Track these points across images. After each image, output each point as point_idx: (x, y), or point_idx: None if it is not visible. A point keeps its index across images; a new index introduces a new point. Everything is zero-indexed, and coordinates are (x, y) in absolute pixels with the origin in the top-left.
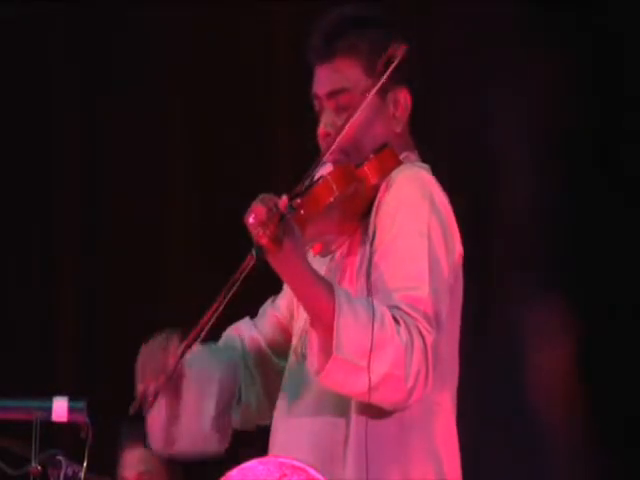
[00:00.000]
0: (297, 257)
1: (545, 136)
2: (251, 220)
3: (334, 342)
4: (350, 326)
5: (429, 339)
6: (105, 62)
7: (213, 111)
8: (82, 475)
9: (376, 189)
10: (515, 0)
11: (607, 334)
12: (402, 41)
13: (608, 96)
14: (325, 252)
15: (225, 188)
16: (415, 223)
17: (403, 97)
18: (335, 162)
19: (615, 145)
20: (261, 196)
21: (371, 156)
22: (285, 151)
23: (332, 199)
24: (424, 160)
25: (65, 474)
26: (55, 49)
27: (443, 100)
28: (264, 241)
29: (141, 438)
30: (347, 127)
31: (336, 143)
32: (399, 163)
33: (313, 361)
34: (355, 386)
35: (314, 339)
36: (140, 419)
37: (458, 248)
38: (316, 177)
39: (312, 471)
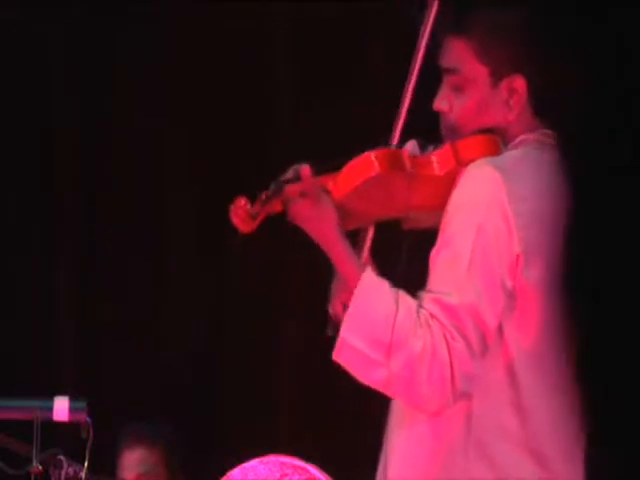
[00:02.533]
0: (320, 224)
1: None
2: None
3: (344, 324)
4: (367, 314)
5: (456, 347)
6: (105, 62)
7: (213, 111)
8: (83, 475)
9: (447, 179)
10: None
11: (607, 334)
12: (520, 29)
13: None
14: (412, 229)
15: (225, 187)
16: (464, 229)
17: (518, 84)
18: (445, 138)
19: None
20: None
21: (447, 145)
22: (285, 151)
23: (371, 176)
24: (554, 139)
25: (66, 474)
26: (55, 49)
27: None
28: (253, 212)
29: (141, 439)
30: (455, 110)
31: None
32: (486, 153)
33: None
34: (369, 375)
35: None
36: (140, 419)
37: (515, 248)
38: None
39: (313, 470)
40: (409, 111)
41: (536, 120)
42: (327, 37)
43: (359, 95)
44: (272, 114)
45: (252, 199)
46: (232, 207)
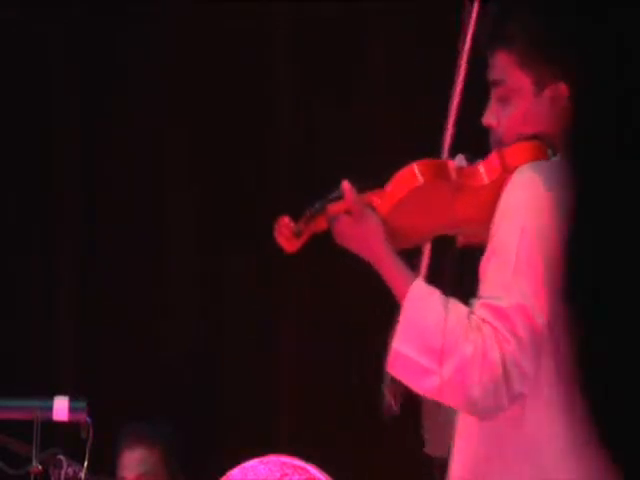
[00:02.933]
0: (367, 242)
1: None
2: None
3: (396, 333)
4: (417, 322)
5: (508, 348)
6: (105, 62)
7: (213, 111)
8: (83, 474)
9: (494, 187)
10: None
11: (607, 333)
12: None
13: None
14: (466, 243)
15: (225, 188)
16: (510, 234)
17: (562, 91)
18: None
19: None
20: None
21: (494, 152)
22: (285, 151)
23: (415, 186)
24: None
25: (66, 473)
26: (55, 49)
27: None
28: (297, 230)
29: (141, 439)
30: (502, 122)
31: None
32: (531, 159)
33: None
34: (422, 384)
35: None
36: (140, 419)
37: (560, 250)
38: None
39: (313, 470)
40: (455, 126)
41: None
42: (327, 37)
43: (359, 95)
44: (272, 114)
45: (251, 197)
46: (276, 226)
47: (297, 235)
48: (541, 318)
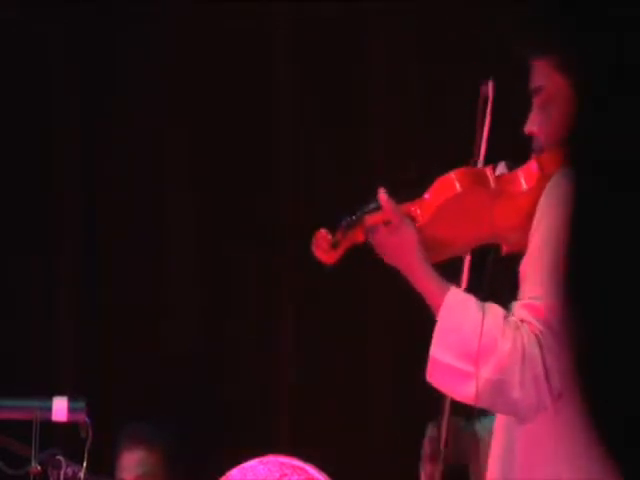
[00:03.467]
0: (402, 251)
1: None
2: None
3: (433, 342)
4: (454, 328)
5: (548, 344)
6: (105, 62)
7: (213, 111)
8: (82, 475)
9: (534, 193)
10: None
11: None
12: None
13: None
14: (510, 251)
15: (225, 188)
16: (548, 237)
17: None
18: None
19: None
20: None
21: (532, 158)
22: (285, 151)
23: (453, 194)
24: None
25: (65, 474)
26: (55, 49)
27: None
28: (334, 240)
29: (140, 440)
30: (544, 129)
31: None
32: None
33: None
34: (460, 390)
35: None
36: (140, 419)
37: None
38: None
39: (312, 470)
40: (491, 135)
41: None
42: (327, 37)
43: (359, 95)
44: (272, 114)
45: (252, 198)
46: (314, 239)
47: (334, 247)
48: None
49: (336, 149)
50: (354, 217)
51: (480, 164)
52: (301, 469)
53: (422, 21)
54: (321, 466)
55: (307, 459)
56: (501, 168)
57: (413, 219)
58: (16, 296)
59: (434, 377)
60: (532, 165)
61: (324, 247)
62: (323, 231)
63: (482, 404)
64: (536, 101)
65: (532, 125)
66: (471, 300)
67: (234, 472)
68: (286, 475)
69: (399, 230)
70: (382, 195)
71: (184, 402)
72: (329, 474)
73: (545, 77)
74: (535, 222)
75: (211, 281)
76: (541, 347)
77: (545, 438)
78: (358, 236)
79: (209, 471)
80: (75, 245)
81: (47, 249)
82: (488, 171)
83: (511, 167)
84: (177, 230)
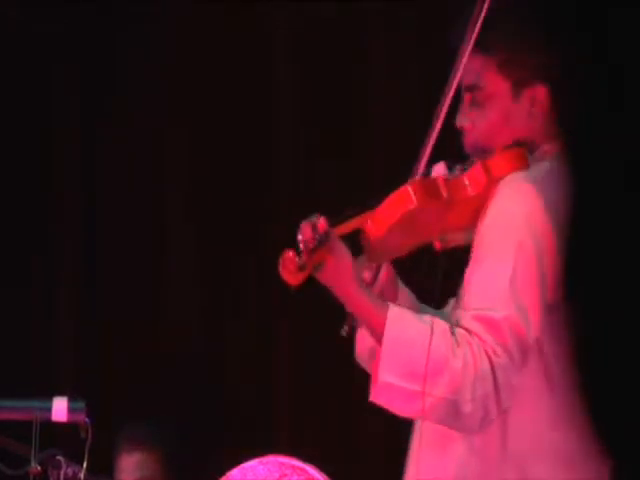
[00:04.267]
0: (341, 274)
1: None
2: (299, 237)
3: (380, 365)
4: (401, 348)
5: (498, 362)
6: (105, 62)
7: (213, 111)
8: (82, 475)
9: (481, 197)
10: None
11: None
12: (540, 44)
13: None
14: (443, 248)
15: (225, 188)
16: (505, 242)
17: (540, 94)
18: (470, 156)
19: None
20: (313, 216)
21: (478, 163)
22: (285, 151)
23: (409, 209)
24: (569, 147)
25: (65, 474)
26: (55, 49)
27: None
28: (301, 263)
29: (139, 442)
30: (479, 126)
31: (473, 141)
32: (516, 167)
33: (372, 378)
34: (406, 408)
35: (376, 354)
36: (139, 419)
37: (556, 268)
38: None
39: (312, 471)
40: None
41: (556, 128)
42: (327, 37)
43: (359, 95)
44: (272, 114)
45: (252, 200)
46: (281, 260)
47: (302, 269)
48: (532, 332)
49: (336, 149)
50: (318, 239)
51: (422, 165)
52: (301, 469)
53: (422, 21)
54: (321, 466)
55: (307, 459)
56: (440, 168)
57: (365, 233)
58: (16, 296)
59: (380, 398)
60: (478, 169)
61: (291, 269)
62: (291, 253)
63: (433, 420)
64: (471, 97)
65: (465, 120)
66: (412, 317)
67: (234, 472)
68: (286, 475)
69: (334, 253)
70: (321, 222)
71: (184, 402)
72: (329, 474)
73: (484, 76)
74: (485, 229)
75: (211, 281)
76: (492, 364)
77: (463, 452)
78: (322, 256)
79: (209, 471)
80: (75, 245)
81: (47, 249)
82: (440, 180)
83: (451, 167)
84: (177, 230)
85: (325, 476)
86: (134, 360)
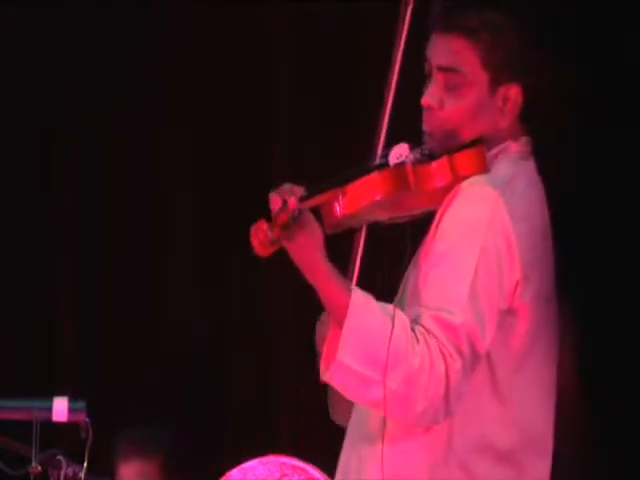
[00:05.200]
0: (310, 250)
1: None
2: (271, 207)
3: (339, 345)
4: (362, 333)
5: (453, 366)
6: (105, 62)
7: (213, 111)
8: (82, 475)
9: (444, 191)
10: None
11: (607, 333)
12: (524, 38)
13: None
14: (392, 221)
15: (225, 188)
16: (468, 244)
17: (514, 93)
18: (428, 135)
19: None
20: (283, 185)
21: (444, 157)
22: (285, 151)
23: (377, 199)
24: (534, 146)
25: (65, 474)
26: (55, 49)
27: None
28: (276, 231)
29: (137, 449)
30: (447, 110)
31: (436, 126)
32: (479, 167)
33: (323, 359)
34: (363, 395)
35: (329, 336)
36: (139, 420)
37: (516, 274)
38: (390, 160)
39: (312, 470)
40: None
41: (520, 126)
42: (327, 37)
43: (359, 95)
44: (272, 113)
45: (251, 199)
46: (253, 229)
47: (272, 243)
48: (486, 342)
49: (336, 149)
50: (289, 215)
51: (381, 145)
52: (301, 469)
53: (422, 21)
54: (321, 466)
55: (307, 459)
56: (403, 149)
57: (330, 211)
58: (16, 296)
59: (336, 379)
60: (444, 163)
61: (262, 240)
62: (264, 225)
63: (384, 411)
64: (444, 78)
65: (432, 99)
66: (376, 304)
67: (234, 472)
68: (286, 475)
69: (305, 229)
70: (292, 200)
71: (184, 402)
72: (329, 474)
73: (466, 62)
74: (445, 227)
75: (211, 281)
76: (447, 366)
77: (409, 451)
78: (294, 232)
79: (209, 471)
80: (75, 245)
81: (47, 249)
82: (408, 169)
83: (413, 147)
84: (177, 230)
85: (325, 476)
86: (134, 360)
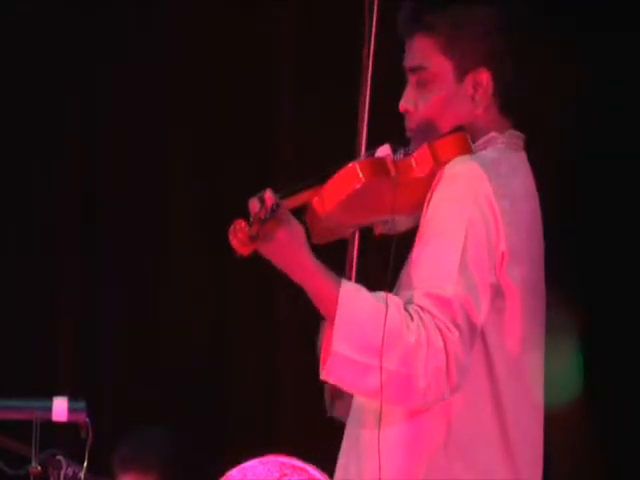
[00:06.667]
0: (292, 247)
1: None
2: (250, 210)
3: (333, 336)
4: (355, 321)
5: (451, 338)
6: (105, 62)
7: (214, 110)
8: (82, 475)
9: (427, 180)
10: None
11: (608, 333)
12: (483, 23)
13: None
14: (382, 234)
15: (226, 187)
16: (454, 222)
17: (483, 78)
18: (411, 139)
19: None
20: (263, 191)
21: (425, 146)
22: (286, 149)
23: (357, 187)
24: (523, 140)
25: (65, 474)
26: (55, 48)
27: None
28: (254, 228)
29: (134, 463)
30: (421, 108)
31: (414, 122)
32: (462, 151)
33: (321, 359)
34: (362, 385)
35: (326, 335)
36: (139, 421)
37: (502, 247)
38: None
39: (312, 470)
40: (371, 114)
41: (503, 118)
42: (327, 37)
43: (359, 95)
44: (272, 113)
45: (252, 190)
46: (232, 228)
47: (251, 240)
48: (481, 314)
49: (336, 149)
50: (268, 210)
51: (363, 146)
52: (301, 469)
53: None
54: (321, 466)
55: (307, 459)
56: (385, 149)
57: (311, 210)
58: (16, 296)
59: (333, 373)
60: (425, 152)
61: (241, 238)
62: (243, 222)
63: (385, 397)
64: (414, 79)
65: (408, 102)
66: (365, 291)
67: (234, 472)
68: (286, 475)
69: (285, 224)
70: (268, 194)
71: (184, 402)
72: (329, 474)
73: (427, 57)
74: (432, 208)
75: (211, 282)
76: (444, 339)
77: (407, 438)
78: (273, 228)
79: (209, 471)
80: (75, 245)
81: (47, 249)
82: (388, 159)
83: (395, 149)
84: (177, 230)
85: (325, 476)
86: (134, 360)
